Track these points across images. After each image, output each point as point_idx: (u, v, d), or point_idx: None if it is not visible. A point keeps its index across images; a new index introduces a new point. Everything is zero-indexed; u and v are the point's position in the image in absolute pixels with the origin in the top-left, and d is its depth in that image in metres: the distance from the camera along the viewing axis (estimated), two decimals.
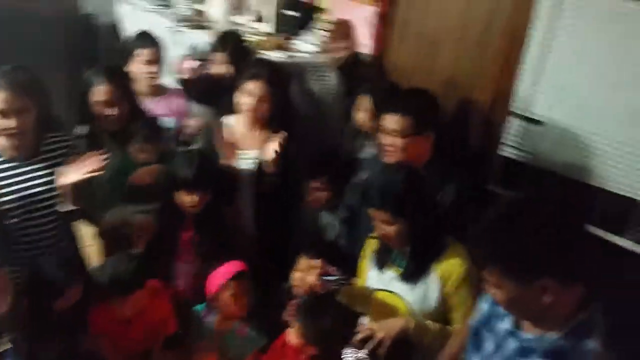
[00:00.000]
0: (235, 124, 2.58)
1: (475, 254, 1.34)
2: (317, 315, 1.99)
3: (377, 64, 2.97)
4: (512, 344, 1.40)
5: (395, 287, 1.93)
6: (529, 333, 1.36)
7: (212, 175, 2.35)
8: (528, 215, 1.27)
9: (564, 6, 2.25)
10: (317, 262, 2.07)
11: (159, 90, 2.95)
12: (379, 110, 2.29)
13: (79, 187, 2.09)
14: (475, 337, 1.55)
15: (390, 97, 2.21)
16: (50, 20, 3.96)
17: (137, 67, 2.85)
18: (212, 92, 2.93)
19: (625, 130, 2.18)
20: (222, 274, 2.20)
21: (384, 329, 1.79)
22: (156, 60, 2.87)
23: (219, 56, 2.87)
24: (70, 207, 2.17)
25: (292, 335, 2.06)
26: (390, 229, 1.82)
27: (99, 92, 2.39)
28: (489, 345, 1.48)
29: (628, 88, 2.13)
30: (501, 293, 1.31)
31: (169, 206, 2.35)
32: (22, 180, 2.14)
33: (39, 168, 2.16)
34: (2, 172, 2.11)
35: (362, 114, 2.54)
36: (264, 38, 3.02)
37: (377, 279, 1.99)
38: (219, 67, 2.87)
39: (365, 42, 2.98)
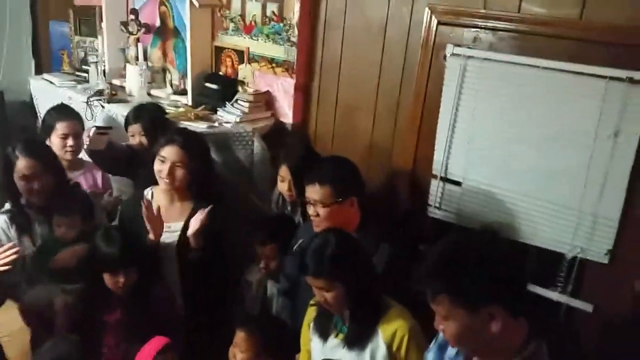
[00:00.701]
0: (156, 196, 2.50)
1: (425, 287, 1.36)
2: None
3: (299, 132, 3.02)
4: None
5: (339, 355, 1.88)
6: None
7: (137, 254, 2.25)
8: (473, 247, 1.35)
9: (467, 72, 2.40)
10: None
11: (78, 164, 2.87)
12: (296, 179, 2.33)
13: None
14: None
15: (307, 167, 2.24)
16: None
17: (56, 140, 2.77)
18: (126, 164, 2.87)
19: (539, 186, 2.31)
20: (147, 352, 2.08)
21: None
22: (75, 133, 2.80)
23: (133, 127, 2.84)
24: None
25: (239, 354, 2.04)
26: (328, 295, 1.81)
27: (20, 166, 2.33)
28: None
29: (542, 148, 2.26)
30: (450, 325, 1.33)
31: (93, 286, 2.23)
32: None
33: None
34: None
35: (282, 184, 2.56)
36: (184, 109, 3.00)
37: (320, 348, 1.94)
38: (134, 138, 2.84)
39: (286, 111, 3.05)
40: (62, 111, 2.91)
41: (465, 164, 2.48)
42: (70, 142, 2.79)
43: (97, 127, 2.68)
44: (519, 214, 2.37)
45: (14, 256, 1.98)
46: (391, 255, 2.10)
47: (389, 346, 1.81)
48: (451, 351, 1.52)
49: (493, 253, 1.33)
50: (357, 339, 1.84)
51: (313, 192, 2.11)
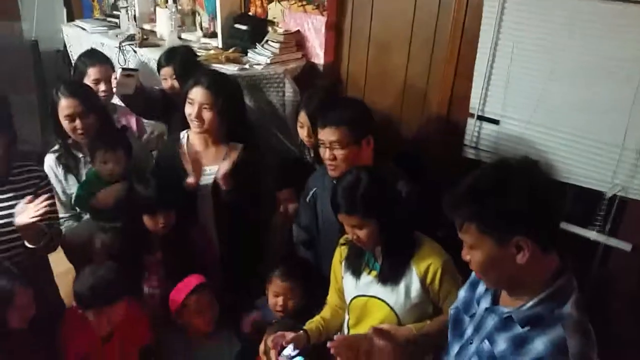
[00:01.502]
0: (191, 139, 2.51)
1: (454, 214, 1.34)
2: None
3: (331, 72, 2.96)
4: (491, 321, 1.41)
5: (374, 291, 1.91)
6: (507, 306, 1.37)
7: (174, 196, 2.30)
8: (506, 175, 1.30)
9: (507, 4, 2.29)
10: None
11: (112, 109, 2.89)
12: (313, 125, 2.32)
13: (31, 229, 2.04)
14: (456, 324, 1.56)
15: (323, 111, 2.20)
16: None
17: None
18: (159, 108, 2.87)
19: (580, 122, 2.23)
20: (180, 290, 2.18)
21: (387, 337, 1.69)
22: (107, 78, 2.81)
23: (165, 70, 2.82)
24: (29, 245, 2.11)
25: None
26: (361, 232, 1.81)
27: (64, 106, 2.38)
28: (469, 329, 1.49)
29: (581, 82, 2.18)
30: (477, 254, 1.33)
31: (132, 226, 2.30)
32: None
33: (6, 198, 2.13)
34: None
35: (301, 130, 2.55)
36: (214, 52, 2.97)
37: (353, 286, 1.97)
38: (166, 81, 2.83)
39: (317, 51, 2.98)
40: (93, 56, 2.93)
41: (504, 101, 2.41)
42: (102, 87, 2.82)
43: (123, 69, 2.68)
44: (557, 152, 2.30)
45: (46, 208, 2.00)
46: (409, 193, 2.08)
47: (423, 280, 1.84)
48: (481, 288, 1.51)
49: (526, 182, 1.28)
50: (390, 275, 1.86)
51: (329, 134, 2.09)
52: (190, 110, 2.37)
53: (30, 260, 2.18)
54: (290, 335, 1.88)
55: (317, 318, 2.06)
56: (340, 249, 2.04)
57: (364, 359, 1.62)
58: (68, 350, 2.05)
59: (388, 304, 1.87)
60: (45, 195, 2.08)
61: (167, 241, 2.33)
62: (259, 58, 2.92)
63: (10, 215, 2.10)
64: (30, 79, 4.15)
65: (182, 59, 2.81)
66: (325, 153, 2.13)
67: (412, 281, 1.85)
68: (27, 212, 2.01)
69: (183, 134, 2.53)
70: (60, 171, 2.46)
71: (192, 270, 2.30)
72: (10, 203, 2.12)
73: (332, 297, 2.13)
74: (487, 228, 1.29)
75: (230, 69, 2.81)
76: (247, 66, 2.87)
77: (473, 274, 1.56)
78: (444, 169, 2.50)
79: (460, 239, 1.36)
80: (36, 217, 1.98)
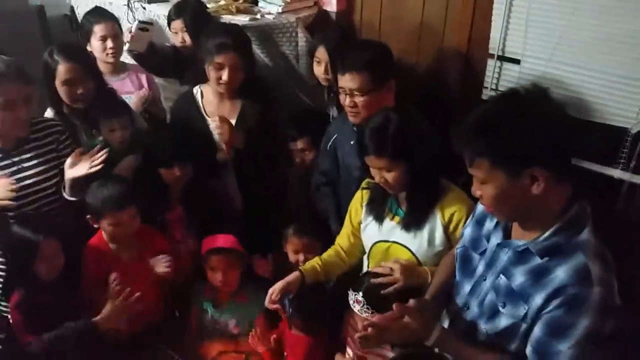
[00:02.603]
0: (206, 95, 2.48)
1: (464, 148, 1.30)
2: (309, 309, 1.97)
3: (344, 20, 2.88)
4: (504, 255, 1.40)
5: (396, 236, 1.89)
6: (521, 240, 1.36)
7: (189, 148, 2.29)
8: (517, 106, 1.26)
9: None
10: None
11: (120, 68, 2.83)
12: (334, 61, 2.26)
13: (80, 180, 2.07)
14: (464, 263, 1.55)
15: (342, 56, 2.11)
16: (3, 14, 3.83)
17: (95, 43, 2.72)
18: (171, 64, 2.83)
19: (603, 57, 2.15)
20: (206, 243, 2.21)
21: (407, 274, 1.73)
22: (114, 35, 2.75)
23: (176, 23, 2.76)
24: (71, 198, 2.13)
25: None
26: (389, 175, 1.75)
27: (61, 71, 2.28)
28: (480, 266, 1.47)
29: (603, 16, 2.10)
30: (489, 188, 1.30)
31: (152, 188, 2.29)
32: (11, 172, 2.08)
33: (29, 157, 2.12)
34: None
35: (318, 66, 2.48)
36: (224, 3, 2.90)
37: (376, 230, 1.94)
38: (177, 35, 2.77)
39: None
40: (99, 13, 2.85)
41: (524, 39, 2.33)
42: (110, 43, 2.74)
43: (139, 22, 2.62)
44: (581, 90, 2.23)
45: (105, 155, 2.04)
46: (434, 135, 2.00)
47: (446, 227, 1.81)
48: (489, 224, 1.49)
49: (538, 111, 1.23)
50: (414, 220, 1.83)
51: (349, 80, 2.00)
52: (218, 74, 2.32)
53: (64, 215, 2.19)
54: (280, 283, 1.90)
55: (316, 259, 2.04)
56: (362, 193, 2.00)
57: (393, 337, 1.55)
58: (91, 278, 2.10)
59: (410, 250, 1.86)
60: (101, 145, 2.11)
61: (187, 194, 2.34)
62: (270, 7, 2.85)
63: (38, 173, 2.11)
64: (39, 45, 4.10)
65: (192, 12, 2.74)
66: (345, 100, 2.06)
67: (436, 228, 1.82)
68: (81, 164, 2.04)
69: (197, 89, 2.50)
70: None
71: (213, 224, 2.31)
72: (35, 161, 2.11)
73: (341, 239, 2.09)
74: (499, 161, 1.25)
75: (241, 19, 2.74)
76: (258, 16, 2.81)
77: (477, 210, 1.56)
78: (463, 112, 2.44)
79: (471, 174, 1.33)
80: (95, 167, 2.02)
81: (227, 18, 2.78)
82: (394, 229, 1.89)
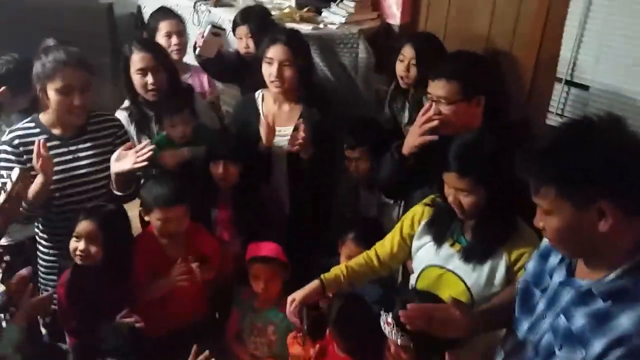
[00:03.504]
0: (266, 99, 2.49)
1: (530, 175, 1.23)
2: (350, 326, 1.90)
3: (408, 33, 2.85)
4: (566, 295, 1.31)
5: (453, 265, 1.76)
6: (585, 279, 1.27)
7: (240, 147, 2.31)
8: (590, 134, 1.18)
9: None
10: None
11: (184, 68, 2.89)
12: (418, 60, 2.22)
13: (126, 175, 2.10)
14: (525, 298, 1.46)
15: (431, 55, 2.07)
16: (74, 11, 3.98)
17: (160, 40, 2.79)
18: (233, 71, 2.86)
19: None
20: (251, 250, 2.19)
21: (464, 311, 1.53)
22: (178, 31, 2.82)
23: (241, 29, 2.79)
24: (117, 192, 2.16)
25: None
26: (467, 199, 1.63)
27: (136, 60, 2.37)
28: (540, 303, 1.39)
29: None
30: (554, 220, 1.22)
31: (201, 185, 2.31)
32: (67, 160, 2.14)
33: (84, 148, 2.17)
34: (49, 149, 2.06)
35: (400, 64, 2.45)
36: (289, 11, 2.92)
37: (432, 253, 1.82)
38: (241, 41, 2.80)
39: (394, 11, 2.88)
40: (164, 11, 2.94)
41: (595, 65, 2.25)
42: (174, 40, 2.81)
43: (212, 26, 2.67)
44: None
45: (150, 153, 2.06)
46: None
47: (510, 268, 1.68)
48: (553, 260, 1.40)
49: (611, 141, 1.15)
50: (477, 254, 1.70)
51: (438, 87, 1.90)
52: (269, 69, 2.33)
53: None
54: (300, 294, 1.85)
55: (341, 266, 1.95)
56: (424, 209, 1.88)
57: (436, 327, 1.51)
58: (138, 269, 2.12)
59: (465, 284, 1.73)
60: (147, 141, 2.14)
61: (237, 197, 2.35)
62: (333, 17, 2.86)
63: (92, 164, 2.16)
64: (105, 42, 4.23)
65: (257, 18, 2.77)
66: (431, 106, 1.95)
67: (499, 266, 1.68)
68: (127, 158, 2.06)
69: (258, 94, 2.52)
70: (132, 129, 2.44)
71: (260, 228, 2.32)
72: (91, 152, 2.16)
73: (382, 247, 1.97)
74: (566, 191, 1.17)
75: (304, 28, 2.76)
76: (321, 26, 2.82)
77: (543, 244, 1.47)
78: (525, 137, 2.37)
79: (535, 203, 1.25)
80: (140, 163, 2.03)
81: (290, 26, 2.79)
82: (452, 257, 1.77)
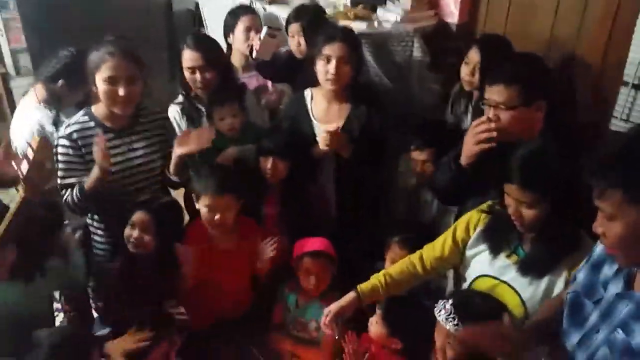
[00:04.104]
0: (316, 97, 2.47)
1: (596, 179, 1.17)
2: (403, 310, 1.89)
3: (465, 33, 2.78)
4: (623, 307, 1.25)
5: (509, 277, 1.69)
6: None
7: (289, 143, 2.32)
8: None
9: None
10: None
11: (252, 66, 2.90)
12: (484, 64, 2.17)
13: (185, 159, 2.17)
14: (574, 310, 1.40)
15: (495, 67, 1.95)
16: (133, 7, 4.09)
17: (239, 35, 2.82)
18: (286, 69, 2.86)
19: None
20: (301, 246, 2.20)
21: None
22: (257, 28, 2.84)
23: (293, 27, 2.78)
24: (174, 178, 2.23)
25: (375, 325, 1.96)
26: (529, 212, 1.57)
27: (187, 58, 2.42)
28: (593, 315, 1.33)
29: None
30: (617, 226, 1.17)
31: (252, 180, 2.33)
32: (121, 152, 2.19)
33: (137, 139, 2.22)
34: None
35: (465, 67, 2.38)
36: (343, 9, 2.90)
37: (487, 263, 1.75)
38: (293, 39, 2.79)
39: (451, 10, 2.81)
40: (244, 8, 3.00)
41: None
42: (253, 34, 2.83)
43: (269, 27, 2.68)
44: None
45: (212, 135, 2.13)
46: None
47: (569, 284, 1.56)
48: (608, 270, 1.33)
49: None
50: (536, 267, 1.63)
51: (495, 93, 1.81)
52: (327, 66, 2.30)
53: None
54: (335, 306, 1.83)
55: (379, 275, 1.88)
56: (480, 216, 1.80)
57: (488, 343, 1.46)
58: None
59: (521, 297, 1.66)
60: (206, 127, 2.20)
61: (285, 194, 2.36)
62: (389, 15, 2.81)
63: (146, 154, 2.22)
64: (162, 37, 4.33)
65: (310, 16, 2.76)
66: (489, 112, 1.86)
67: (558, 282, 1.61)
68: (191, 140, 2.12)
69: (307, 92, 2.50)
70: (183, 123, 2.49)
71: (306, 226, 2.31)
72: (144, 143, 2.21)
73: (431, 250, 1.89)
74: (634, 195, 1.12)
75: (358, 26, 2.72)
76: (375, 24, 2.77)
77: (595, 254, 1.40)
78: (587, 143, 2.26)
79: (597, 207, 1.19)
80: (204, 143, 2.10)
81: (344, 23, 2.76)
82: (508, 268, 1.70)
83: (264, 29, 2.66)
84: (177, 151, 2.15)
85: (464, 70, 2.38)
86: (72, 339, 1.62)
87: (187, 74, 2.43)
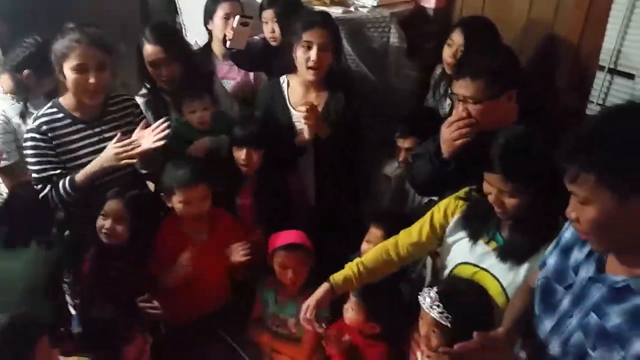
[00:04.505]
0: (292, 85, 2.43)
1: (569, 160, 1.15)
2: (378, 293, 1.88)
3: (441, 18, 2.74)
4: (596, 291, 1.24)
5: (488, 264, 1.67)
6: (619, 275, 1.19)
7: (264, 132, 2.26)
8: (635, 121, 1.11)
9: None
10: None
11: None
12: (468, 46, 2.15)
13: (147, 154, 2.08)
14: (545, 296, 1.39)
15: (459, 61, 1.93)
16: None
17: (218, 22, 2.74)
18: (261, 57, 2.79)
19: None
20: (275, 239, 2.14)
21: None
22: (235, 15, 2.71)
23: (267, 13, 2.71)
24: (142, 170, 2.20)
25: (350, 311, 1.94)
26: (511, 202, 1.55)
27: (148, 52, 2.34)
28: (565, 300, 1.32)
29: None
30: (590, 211, 1.14)
31: (226, 171, 2.29)
32: (93, 142, 2.14)
33: (107, 129, 2.17)
34: (75, 133, 2.11)
35: (448, 50, 2.35)
36: None
37: (466, 250, 1.73)
38: (267, 25, 2.73)
39: None
40: None
41: None
42: (232, 21, 2.70)
43: (241, 16, 2.62)
44: None
45: (167, 130, 2.04)
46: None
47: None
48: (578, 255, 1.32)
49: None
50: (515, 254, 1.62)
51: (462, 87, 1.79)
52: (308, 53, 2.24)
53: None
54: (313, 300, 1.81)
55: (352, 265, 1.86)
56: (457, 203, 1.78)
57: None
58: (162, 254, 2.13)
59: (501, 284, 1.64)
60: (164, 119, 2.10)
61: (261, 184, 2.32)
62: (365, 0, 2.77)
63: None
64: (137, 25, 4.21)
65: (284, 2, 2.70)
66: (458, 107, 1.84)
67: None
68: (146, 138, 2.04)
69: (283, 79, 2.46)
70: (149, 115, 2.40)
71: (283, 217, 2.28)
72: (114, 133, 2.13)
73: (408, 235, 1.86)
74: (608, 179, 1.09)
75: (334, 11, 2.67)
76: (352, 9, 2.74)
77: (564, 238, 1.39)
78: (562, 127, 2.25)
79: (570, 191, 1.17)
80: (158, 141, 2.01)
81: (320, 9, 2.71)
82: (487, 255, 1.68)
83: (236, 18, 2.60)
84: (136, 150, 2.05)
85: (447, 52, 2.35)
86: (18, 325, 1.57)
87: (149, 68, 2.35)
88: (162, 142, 2.02)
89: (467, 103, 1.78)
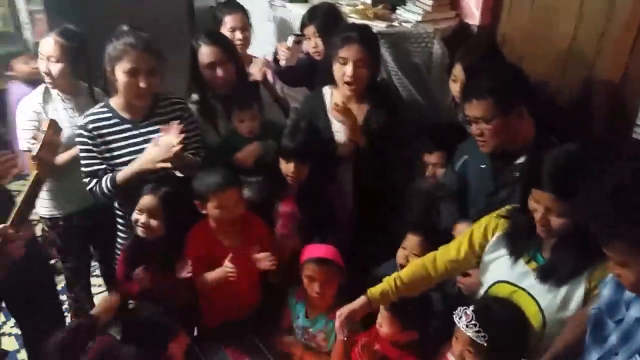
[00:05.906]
0: (334, 97, 2.45)
1: (598, 228, 1.16)
2: (411, 302, 1.87)
3: (486, 35, 2.73)
4: None
5: (527, 284, 1.65)
6: None
7: (310, 145, 2.27)
8: None
9: None
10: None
11: (248, 61, 2.88)
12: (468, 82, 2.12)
13: (186, 160, 2.15)
14: (596, 328, 1.37)
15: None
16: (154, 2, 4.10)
17: (226, 34, 2.79)
18: (305, 73, 2.82)
19: None
20: (306, 251, 2.15)
21: None
22: (242, 26, 2.84)
23: (309, 29, 2.75)
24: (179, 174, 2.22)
25: (385, 325, 1.94)
26: (558, 221, 1.53)
27: (205, 53, 2.41)
28: (613, 336, 1.30)
29: None
30: (628, 272, 1.15)
31: (271, 178, 2.34)
32: (137, 142, 2.21)
33: (153, 130, 2.22)
34: (120, 132, 2.20)
35: (454, 84, 2.34)
36: (362, 8, 2.87)
37: (506, 268, 1.72)
38: (309, 41, 2.77)
39: (473, 11, 2.77)
40: (230, 5, 2.96)
41: None
42: (238, 34, 2.83)
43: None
44: None
45: (182, 135, 2.08)
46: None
47: (588, 293, 1.56)
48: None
49: None
50: (555, 275, 1.59)
51: (472, 109, 1.88)
52: (343, 69, 2.28)
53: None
54: (344, 310, 1.83)
55: (390, 279, 1.86)
56: (498, 221, 1.77)
57: None
58: (196, 259, 2.15)
59: (539, 305, 1.62)
60: (176, 122, 2.14)
61: (303, 194, 2.34)
62: (409, 15, 2.79)
63: None
64: (184, 33, 4.30)
65: (323, 17, 2.73)
66: (472, 128, 1.93)
67: (577, 290, 1.57)
68: (165, 143, 2.09)
69: (326, 90, 2.49)
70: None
71: (321, 227, 2.28)
72: (157, 135, 2.18)
73: (447, 252, 1.86)
74: (637, 245, 1.09)
75: (377, 25, 2.70)
76: (395, 23, 2.76)
77: None
78: (607, 152, 2.21)
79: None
80: (177, 146, 2.05)
81: (363, 23, 2.73)
82: (527, 275, 1.66)
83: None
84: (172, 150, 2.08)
85: (454, 88, 2.33)
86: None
87: (205, 70, 2.42)
88: (178, 148, 2.04)
89: (480, 123, 1.88)
